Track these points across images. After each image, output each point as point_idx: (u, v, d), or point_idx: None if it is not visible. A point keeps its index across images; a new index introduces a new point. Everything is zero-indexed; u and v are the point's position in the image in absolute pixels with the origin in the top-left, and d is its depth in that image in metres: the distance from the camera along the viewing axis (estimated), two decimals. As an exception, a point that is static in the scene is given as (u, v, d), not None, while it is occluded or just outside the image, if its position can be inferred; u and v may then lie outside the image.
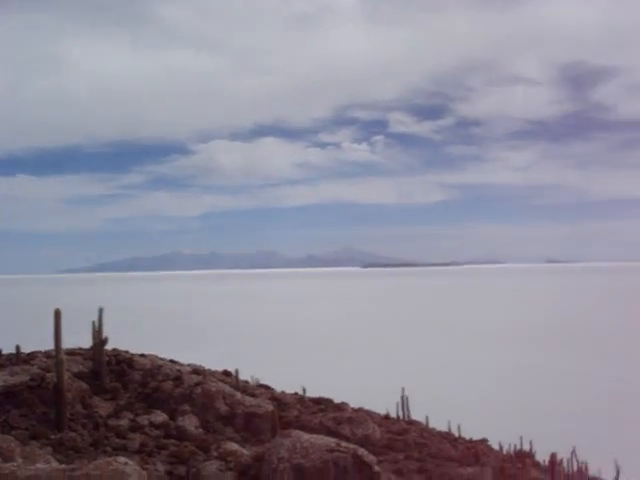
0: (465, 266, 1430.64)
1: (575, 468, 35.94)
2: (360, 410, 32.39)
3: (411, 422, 35.31)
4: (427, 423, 36.58)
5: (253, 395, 29.34)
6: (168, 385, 27.18)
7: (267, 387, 35.24)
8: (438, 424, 37.07)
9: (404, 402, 36.94)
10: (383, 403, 37.56)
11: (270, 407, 26.87)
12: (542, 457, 32.55)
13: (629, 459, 37.87)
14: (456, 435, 35.68)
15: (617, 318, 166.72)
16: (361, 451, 17.19)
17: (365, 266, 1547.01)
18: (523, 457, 29.53)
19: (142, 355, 31.31)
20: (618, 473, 35.21)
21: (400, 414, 36.71)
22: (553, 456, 24.00)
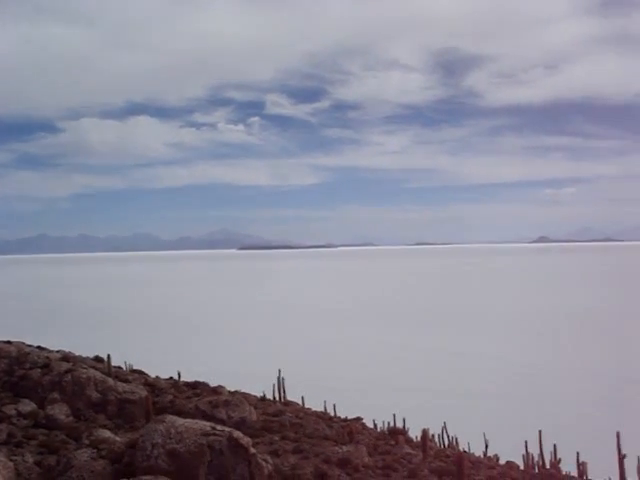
0: (340, 248, 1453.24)
1: (446, 442, 37.18)
2: (236, 393, 32.16)
3: (287, 403, 35.40)
4: (303, 404, 36.78)
5: (126, 381, 28.56)
6: (36, 373, 26.04)
7: (141, 372, 34.41)
8: (314, 404, 37.37)
9: (280, 384, 36.97)
10: (260, 386, 37.52)
11: (144, 393, 26.23)
12: (415, 433, 33.42)
13: (491, 432, 39.58)
14: (332, 415, 36.06)
15: (480, 297, 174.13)
16: (236, 434, 17.01)
17: (241, 248, 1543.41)
18: (396, 434, 30.16)
19: (7, 342, 29.85)
20: (487, 446, 36.69)
21: (276, 396, 36.75)
22: (424, 431, 24.61)
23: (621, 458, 28.84)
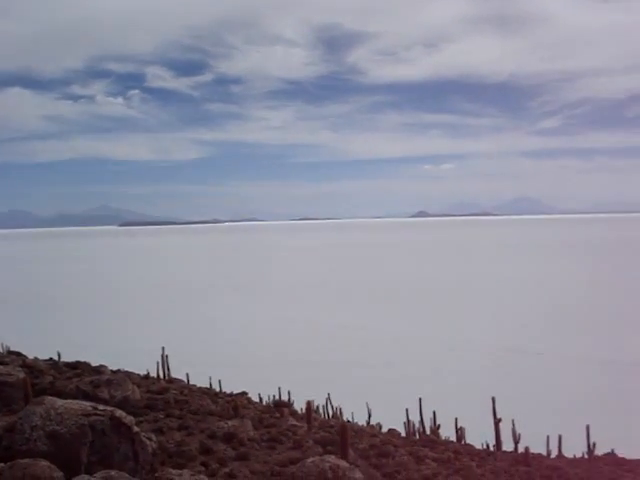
0: (227, 224, 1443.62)
1: (331, 413, 37.82)
2: (119, 372, 31.61)
3: (172, 380, 35.06)
4: (188, 380, 36.55)
5: (3, 363, 27.53)
6: None
7: (18, 354, 33.28)
8: (199, 381, 37.19)
9: (164, 361, 36.56)
10: (143, 364, 36.96)
11: (21, 374, 25.36)
12: (300, 405, 33.83)
13: (378, 403, 40.58)
14: (217, 390, 36.01)
15: (362, 271, 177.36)
16: (119, 413, 16.70)
17: (122, 225, 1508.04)
18: (281, 407, 30.45)
19: None
20: (370, 415, 37.57)
21: (160, 374, 36.32)
22: (308, 403, 24.93)
23: (497, 422, 30.20)
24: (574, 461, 28.29)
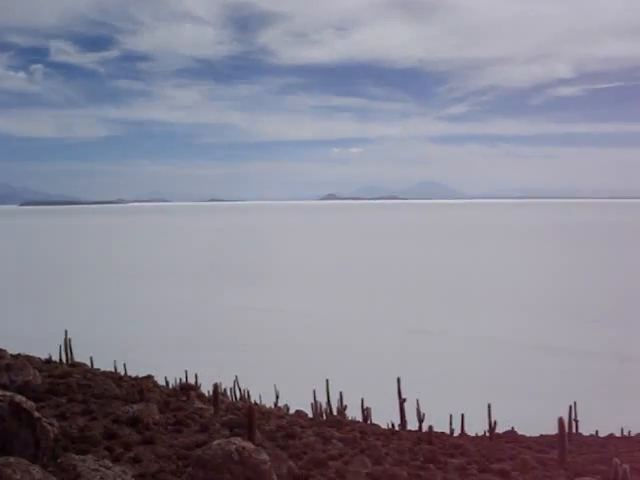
0: (132, 204, 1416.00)
1: (238, 396, 37.75)
2: (19, 356, 30.66)
3: (75, 365, 34.24)
4: (92, 364, 35.78)
5: None
6: None
7: None
8: (103, 364, 36.47)
9: (67, 345, 35.67)
10: (45, 348, 35.97)
11: None
12: (208, 388, 33.60)
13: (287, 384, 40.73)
14: (122, 374, 35.41)
15: (271, 253, 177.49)
16: (19, 398, 16.18)
17: (23, 204, 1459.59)
18: (188, 390, 30.17)
19: None
20: (277, 397, 37.69)
21: (63, 358, 35.42)
22: (215, 386, 24.80)
23: (401, 402, 30.80)
24: (476, 439, 29.17)
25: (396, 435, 26.19)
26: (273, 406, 36.09)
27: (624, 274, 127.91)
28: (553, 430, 24.66)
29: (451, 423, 31.65)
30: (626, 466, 14.13)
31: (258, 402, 36.29)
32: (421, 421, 30.26)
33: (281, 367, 56.18)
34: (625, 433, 34.61)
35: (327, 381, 33.70)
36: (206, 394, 31.50)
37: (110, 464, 11.65)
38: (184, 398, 27.01)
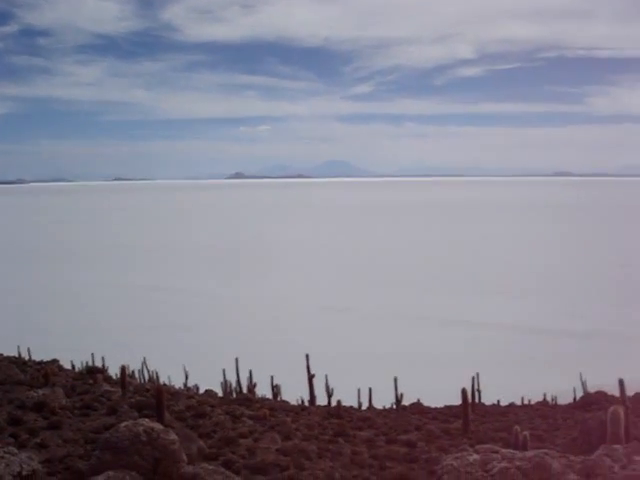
0: (32, 184, 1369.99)
1: (147, 377, 37.37)
2: None
3: (-25, 350, 33.24)
4: (-7, 350, 34.79)
5: None
6: None
7: None
8: (6, 350, 35.48)
9: (-34, 330, 34.56)
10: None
11: None
12: (115, 370, 33.14)
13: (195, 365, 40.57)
14: (26, 359, 34.56)
15: (176, 233, 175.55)
16: None
17: None
18: (95, 373, 29.71)
19: None
20: (187, 377, 37.48)
21: (-38, 343, 34.31)
22: (123, 368, 24.52)
23: (310, 378, 31.15)
24: (383, 411, 29.80)
25: (306, 411, 26.51)
26: (182, 387, 35.91)
27: (525, 248, 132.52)
28: (457, 401, 25.47)
29: (359, 397, 32.24)
30: (526, 433, 14.74)
31: (167, 383, 36.03)
32: (330, 396, 30.72)
33: (190, 347, 55.84)
34: (525, 402, 36.01)
35: (236, 360, 33.74)
36: (114, 377, 31.11)
37: (16, 450, 11.40)
38: (91, 381, 26.61)
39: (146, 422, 11.30)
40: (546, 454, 10.03)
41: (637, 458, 9.81)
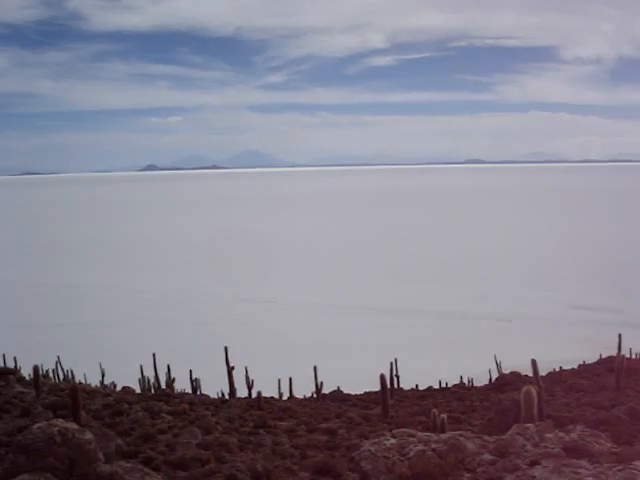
0: None
1: (62, 377, 36.48)
2: None
3: None
4: None
5: None
6: None
7: None
8: None
9: None
10: None
11: None
12: (28, 371, 32.21)
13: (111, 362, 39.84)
14: None
15: (88, 227, 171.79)
16: None
17: None
18: (6, 374, 28.79)
19: None
20: (103, 375, 36.77)
21: None
22: (36, 368, 23.86)
23: (230, 370, 30.99)
24: (304, 401, 29.94)
25: (226, 403, 26.36)
26: (99, 385, 35.21)
27: (438, 234, 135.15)
28: (376, 387, 25.79)
29: (280, 387, 32.28)
30: (444, 415, 15.04)
31: (83, 382, 35.23)
32: (250, 388, 30.64)
33: (106, 344, 54.76)
34: (443, 385, 36.77)
35: (154, 355, 33.23)
36: (27, 377, 30.22)
37: None
38: (2, 383, 25.77)
39: (60, 422, 11.01)
40: (461, 435, 10.25)
41: (549, 436, 10.12)
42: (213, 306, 72.22)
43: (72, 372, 36.84)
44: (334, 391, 32.98)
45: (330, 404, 27.87)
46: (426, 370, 40.41)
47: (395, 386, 32.97)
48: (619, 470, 8.64)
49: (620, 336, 30.59)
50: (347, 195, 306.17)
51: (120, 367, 37.43)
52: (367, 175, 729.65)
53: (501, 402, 18.21)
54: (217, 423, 20.51)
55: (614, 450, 10.43)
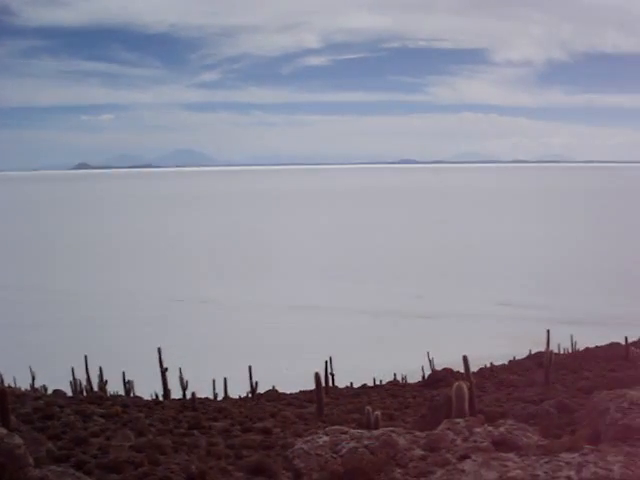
0: None
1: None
2: None
3: None
4: None
5: None
6: None
7: None
8: None
9: None
10: None
11: None
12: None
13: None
14: None
15: (20, 227, 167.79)
16: None
17: None
18: None
19: None
20: (34, 378, 35.96)
21: None
22: None
23: (163, 372, 30.69)
24: (239, 401, 29.88)
25: (159, 405, 26.14)
26: (29, 388, 34.42)
27: (367, 233, 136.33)
28: (312, 385, 25.93)
29: (214, 388, 32.13)
30: (377, 412, 15.23)
31: (12, 385, 34.39)
32: (184, 389, 30.41)
33: (36, 347, 53.53)
34: (377, 382, 37.13)
35: (85, 357, 32.70)
36: None
37: None
38: None
39: (-12, 428, 10.78)
40: (393, 431, 10.42)
41: (478, 430, 10.37)
42: (146, 307, 71.27)
43: (1, 376, 35.93)
44: (269, 390, 33.02)
45: (265, 403, 27.89)
46: (361, 368, 40.70)
47: (330, 384, 33.19)
48: (546, 462, 8.88)
49: (548, 332, 31.51)
50: (277, 194, 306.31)
51: (51, 370, 36.63)
52: (302, 175, 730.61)
53: (433, 398, 18.51)
54: (151, 425, 20.33)
55: (541, 443, 10.75)
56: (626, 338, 37.65)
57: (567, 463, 8.79)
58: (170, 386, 30.75)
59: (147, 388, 32.06)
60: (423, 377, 36.73)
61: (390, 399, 29.33)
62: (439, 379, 32.62)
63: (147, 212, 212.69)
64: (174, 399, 29.57)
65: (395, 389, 33.68)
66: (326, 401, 25.71)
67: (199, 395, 27.26)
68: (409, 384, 36.08)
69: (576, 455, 9.02)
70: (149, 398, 30.07)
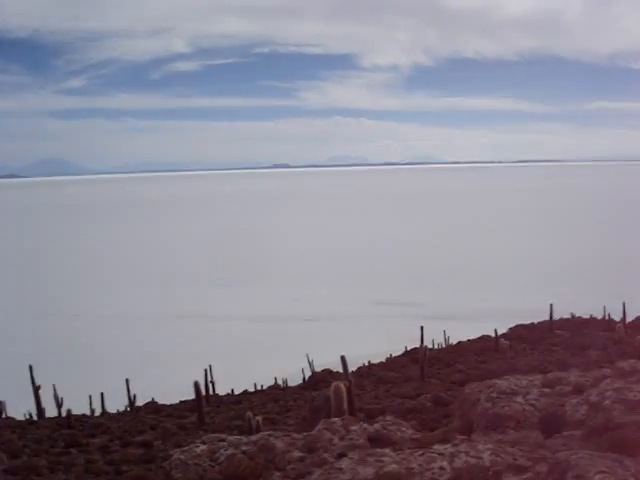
0: None
1: None
2: None
3: None
4: None
5: None
6: None
7: None
8: None
9: None
10: None
11: None
12: None
13: None
14: None
15: None
16: None
17: None
18: None
19: None
20: None
21: None
22: None
23: (36, 390, 29.66)
24: (117, 415, 29.28)
25: (33, 425, 25.27)
26: None
27: (246, 238, 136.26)
28: (192, 395, 25.73)
29: (91, 404, 31.32)
30: (259, 418, 15.39)
31: None
32: (60, 406, 29.49)
33: None
34: (258, 387, 37.26)
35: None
36: None
37: None
38: None
39: None
40: (270, 435, 10.59)
41: (354, 428, 10.70)
42: (16, 322, 68.36)
43: None
44: (148, 402, 32.52)
45: (145, 416, 27.47)
46: (241, 374, 40.72)
47: (211, 392, 33.03)
48: (420, 455, 9.29)
49: (422, 328, 32.62)
50: (147, 202, 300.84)
51: None
52: (176, 181, 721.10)
53: (314, 400, 18.82)
54: (25, 446, 19.66)
55: (415, 436, 11.21)
56: (495, 330, 39.52)
57: (440, 454, 9.23)
58: (44, 404, 29.74)
59: (19, 408, 30.86)
60: (303, 379, 37.15)
61: (271, 403, 29.53)
62: (319, 380, 33.12)
63: (13, 224, 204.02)
64: (49, 418, 28.65)
65: (276, 393, 33.92)
66: (207, 410, 25.62)
67: (75, 412, 26.53)
68: (290, 387, 36.41)
69: (448, 446, 9.48)
70: (22, 418, 28.99)
